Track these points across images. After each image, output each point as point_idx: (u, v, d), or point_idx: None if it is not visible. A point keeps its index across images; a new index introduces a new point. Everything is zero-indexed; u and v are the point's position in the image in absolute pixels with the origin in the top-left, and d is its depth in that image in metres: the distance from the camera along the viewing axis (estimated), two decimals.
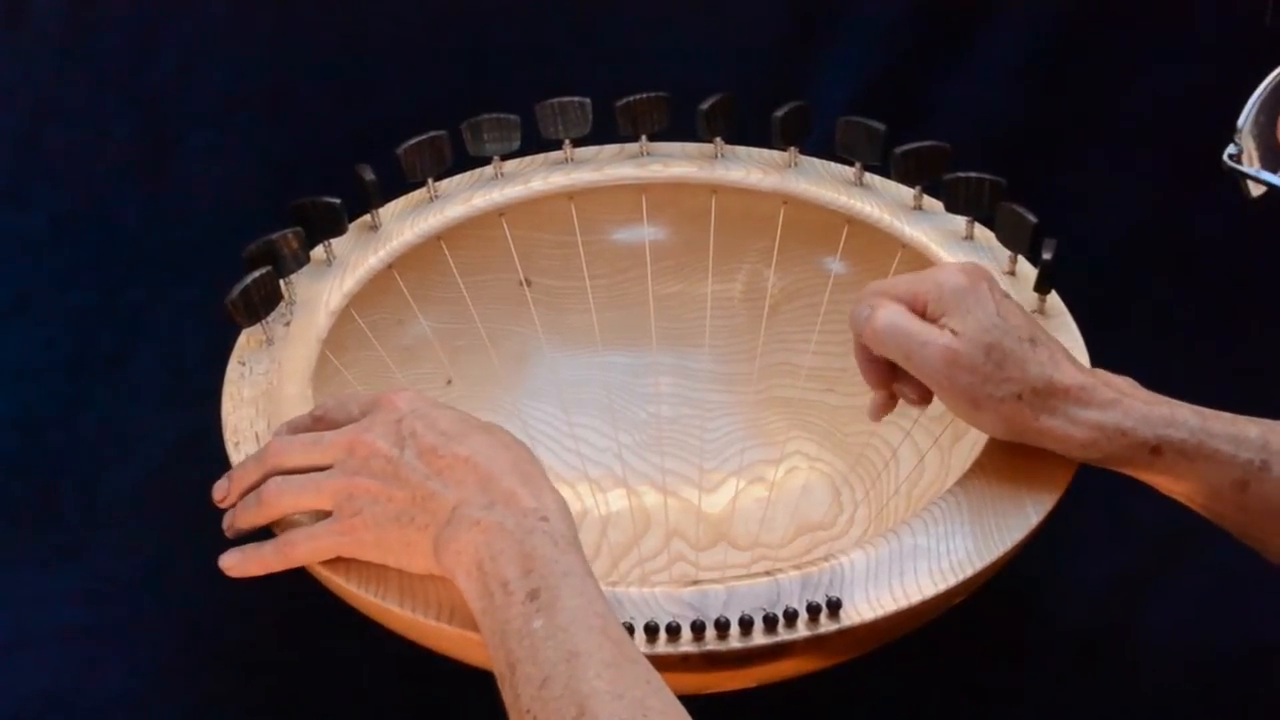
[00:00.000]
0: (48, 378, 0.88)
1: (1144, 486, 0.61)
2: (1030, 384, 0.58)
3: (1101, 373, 0.61)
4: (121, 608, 0.76)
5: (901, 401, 0.65)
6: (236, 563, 0.59)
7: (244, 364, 0.69)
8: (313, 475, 0.57)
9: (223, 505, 0.60)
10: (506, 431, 0.57)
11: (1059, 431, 0.58)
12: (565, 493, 0.60)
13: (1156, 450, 0.58)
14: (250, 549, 0.59)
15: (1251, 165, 0.46)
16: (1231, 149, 0.47)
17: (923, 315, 0.61)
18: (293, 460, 0.58)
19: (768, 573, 0.56)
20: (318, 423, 0.60)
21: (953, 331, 0.59)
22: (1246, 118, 0.47)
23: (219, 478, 0.62)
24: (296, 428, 0.61)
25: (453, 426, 0.56)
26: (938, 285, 0.60)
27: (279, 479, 0.58)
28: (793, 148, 0.82)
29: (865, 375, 0.64)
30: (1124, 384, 0.61)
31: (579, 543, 0.53)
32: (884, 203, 0.79)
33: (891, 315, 0.60)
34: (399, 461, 0.55)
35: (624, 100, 0.81)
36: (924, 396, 0.63)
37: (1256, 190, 0.47)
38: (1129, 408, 0.58)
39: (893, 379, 0.64)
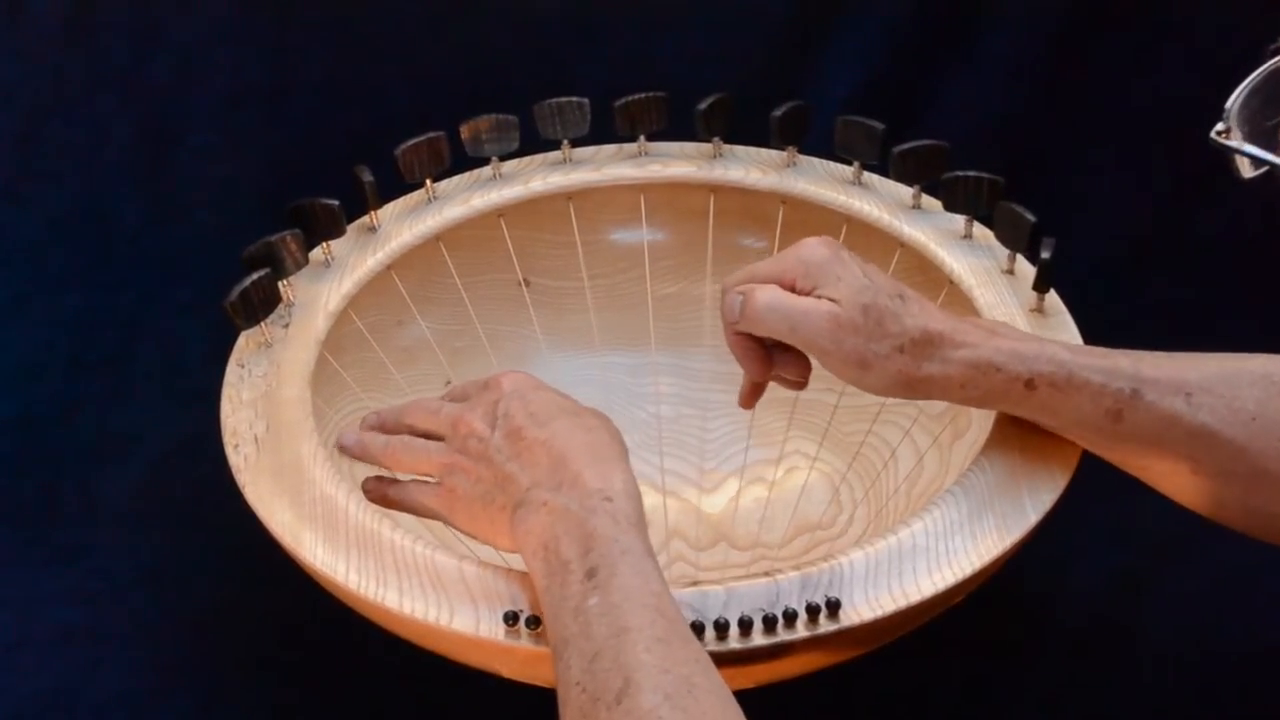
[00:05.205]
0: (48, 378, 0.88)
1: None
2: (909, 335, 0.59)
3: (970, 317, 0.63)
4: (121, 608, 0.76)
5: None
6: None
7: (243, 366, 0.69)
8: (429, 443, 0.61)
9: (345, 444, 0.64)
10: (597, 415, 0.59)
11: (939, 375, 0.59)
12: None
13: (1030, 384, 0.59)
14: (386, 477, 0.63)
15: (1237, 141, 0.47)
16: (1220, 126, 0.47)
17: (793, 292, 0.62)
18: (418, 422, 0.62)
19: (767, 573, 0.56)
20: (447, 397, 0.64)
21: (830, 299, 0.60)
22: (1236, 99, 0.47)
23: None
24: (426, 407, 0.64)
25: (543, 409, 0.58)
26: (801, 262, 0.61)
27: (407, 437, 0.62)
28: (791, 147, 0.82)
29: (745, 363, 0.65)
30: (994, 324, 0.62)
31: (644, 523, 0.54)
32: (883, 202, 0.79)
33: (769, 294, 0.61)
34: (489, 442, 0.58)
35: (622, 100, 0.80)
36: (802, 377, 0.65)
37: (1246, 171, 0.47)
38: (999, 345, 0.60)
39: (771, 365, 0.65)
